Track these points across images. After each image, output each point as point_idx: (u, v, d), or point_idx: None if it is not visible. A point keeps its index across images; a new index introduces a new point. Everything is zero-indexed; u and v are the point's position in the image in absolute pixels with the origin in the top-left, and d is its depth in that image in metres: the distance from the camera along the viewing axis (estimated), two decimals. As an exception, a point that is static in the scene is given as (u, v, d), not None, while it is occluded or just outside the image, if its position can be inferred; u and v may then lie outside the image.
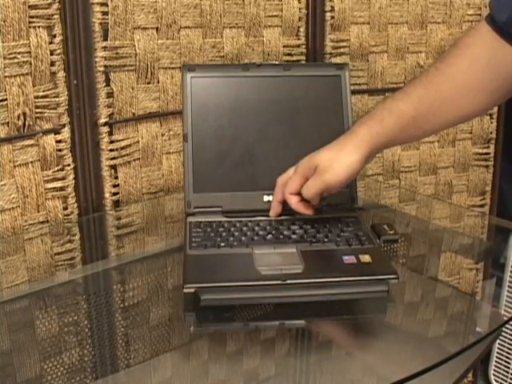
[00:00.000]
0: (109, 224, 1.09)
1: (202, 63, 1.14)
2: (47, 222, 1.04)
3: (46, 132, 1.01)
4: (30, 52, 0.96)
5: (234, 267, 0.77)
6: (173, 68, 1.13)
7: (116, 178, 1.10)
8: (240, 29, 1.18)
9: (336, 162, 0.81)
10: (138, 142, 1.12)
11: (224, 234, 0.85)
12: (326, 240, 0.84)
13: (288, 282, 0.74)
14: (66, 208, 1.05)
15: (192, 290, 0.73)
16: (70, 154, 1.04)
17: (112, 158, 1.09)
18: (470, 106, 0.81)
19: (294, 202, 0.86)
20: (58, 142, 1.03)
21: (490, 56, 0.78)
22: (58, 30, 0.99)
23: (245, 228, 0.87)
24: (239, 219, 0.89)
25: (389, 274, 0.76)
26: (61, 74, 1.01)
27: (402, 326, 0.77)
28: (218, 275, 0.75)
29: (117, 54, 1.06)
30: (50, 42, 0.99)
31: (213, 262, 0.78)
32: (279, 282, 0.74)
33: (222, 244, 0.82)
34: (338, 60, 1.30)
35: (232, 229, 0.87)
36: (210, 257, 0.80)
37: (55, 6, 0.98)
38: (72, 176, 1.05)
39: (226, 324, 0.75)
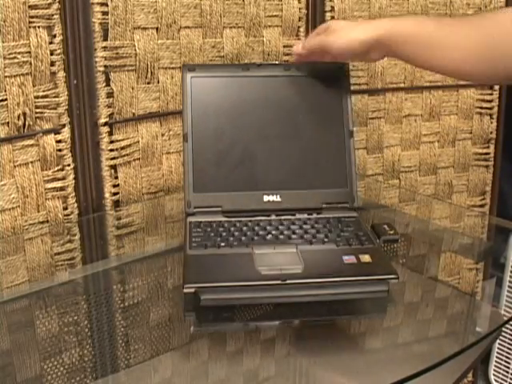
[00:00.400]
0: (109, 224, 1.09)
1: (201, 63, 1.14)
2: (47, 222, 1.04)
3: (46, 132, 1.01)
4: (29, 52, 0.96)
5: (233, 267, 0.77)
6: (173, 68, 1.13)
7: (116, 178, 1.10)
8: (240, 29, 1.18)
9: (344, 30, 0.88)
10: (138, 142, 1.12)
11: (224, 233, 0.85)
12: (326, 240, 0.84)
13: (288, 282, 0.74)
14: (66, 208, 1.05)
15: (192, 290, 0.73)
16: (69, 154, 1.04)
17: (112, 158, 1.09)
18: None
19: (296, 47, 0.96)
20: (58, 142, 1.03)
21: None
22: (58, 30, 0.99)
23: (245, 228, 0.87)
24: (239, 219, 0.89)
25: (389, 273, 0.76)
26: (61, 74, 1.01)
27: (402, 326, 0.77)
28: (218, 275, 0.75)
29: (117, 54, 1.06)
30: (50, 42, 0.99)
31: (213, 262, 0.78)
32: (279, 281, 0.74)
33: (222, 244, 0.82)
34: (338, 60, 1.30)
35: (232, 229, 0.87)
36: (210, 257, 0.80)
37: (55, 5, 0.98)
38: (72, 176, 1.05)
39: (226, 324, 0.75)
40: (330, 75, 0.97)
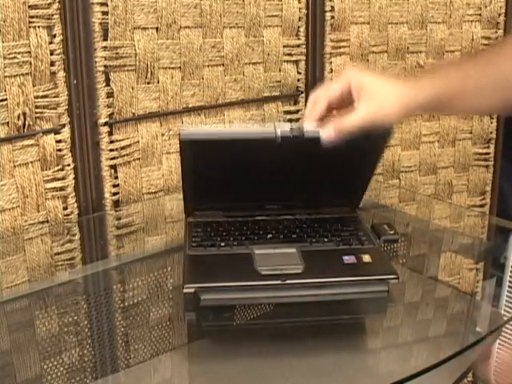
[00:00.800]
0: (109, 224, 1.09)
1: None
2: (47, 222, 1.04)
3: (46, 132, 1.01)
4: (30, 52, 0.96)
5: (233, 267, 0.77)
6: (173, 68, 1.13)
7: (116, 177, 1.10)
8: (240, 29, 1.18)
9: (385, 95, 0.77)
10: (138, 141, 1.12)
11: (224, 233, 0.85)
12: (325, 240, 0.84)
13: (288, 282, 0.74)
14: (65, 208, 1.05)
15: (192, 290, 0.73)
16: (69, 154, 1.04)
17: (112, 158, 1.09)
18: None
19: (327, 131, 0.78)
20: (58, 141, 1.03)
21: None
22: (58, 30, 0.99)
23: (245, 228, 0.87)
24: (239, 219, 0.89)
25: (389, 274, 0.76)
26: (61, 74, 1.01)
27: (402, 325, 0.77)
28: (218, 275, 0.75)
29: (117, 53, 1.06)
30: (50, 42, 0.99)
31: (213, 262, 0.78)
32: (279, 281, 0.74)
33: (222, 244, 0.82)
34: (337, 60, 1.30)
35: (232, 229, 0.87)
36: (210, 257, 0.80)
37: (55, 5, 0.98)
38: (72, 176, 1.05)
39: (226, 324, 0.75)
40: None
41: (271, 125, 0.79)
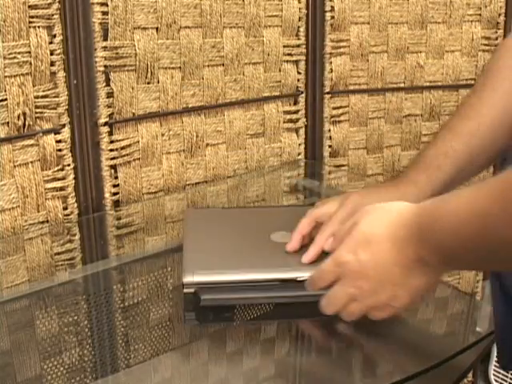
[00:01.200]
0: (109, 224, 1.09)
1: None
2: (47, 221, 1.04)
3: (46, 132, 1.01)
4: (29, 52, 0.96)
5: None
6: (173, 68, 1.13)
7: (116, 178, 1.10)
8: (240, 29, 1.18)
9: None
10: (138, 142, 1.12)
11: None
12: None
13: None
14: (65, 208, 1.05)
15: (192, 290, 0.73)
16: (69, 154, 1.04)
17: (112, 158, 1.09)
18: None
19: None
20: (58, 141, 1.03)
21: None
22: (58, 30, 0.99)
23: None
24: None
25: None
26: (61, 74, 1.01)
27: (402, 325, 0.77)
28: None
29: (117, 53, 1.06)
30: (50, 42, 0.99)
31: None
32: (279, 282, 0.74)
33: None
34: (337, 60, 1.30)
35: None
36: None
37: (55, 5, 0.98)
38: (72, 176, 1.05)
39: (226, 324, 0.75)
40: None
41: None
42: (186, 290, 0.73)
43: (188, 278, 0.74)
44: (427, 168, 0.77)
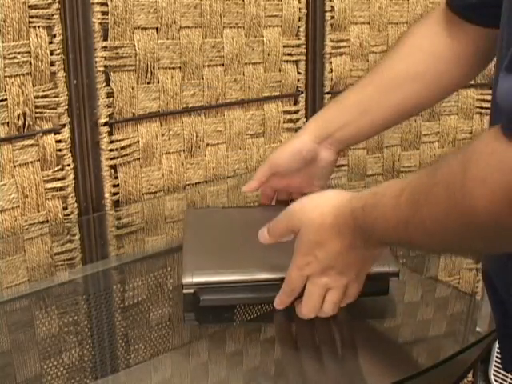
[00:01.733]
0: (109, 224, 1.09)
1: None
2: (47, 221, 1.04)
3: (46, 132, 1.01)
4: (29, 52, 0.96)
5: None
6: (173, 68, 1.13)
7: (116, 178, 1.10)
8: (240, 29, 1.18)
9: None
10: (138, 142, 1.12)
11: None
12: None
13: None
14: (65, 208, 1.05)
15: (191, 291, 0.73)
16: (69, 154, 1.04)
17: (112, 158, 1.09)
18: (412, 93, 0.82)
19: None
20: (58, 141, 1.03)
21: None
22: (58, 29, 0.99)
23: None
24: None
25: (390, 272, 0.75)
26: (61, 74, 1.01)
27: (402, 325, 0.77)
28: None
29: (117, 53, 1.06)
30: (50, 42, 0.99)
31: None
32: (279, 282, 0.74)
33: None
34: (337, 60, 1.30)
35: None
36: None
37: (55, 5, 0.98)
38: (72, 176, 1.05)
39: (226, 324, 0.75)
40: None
41: None
42: (185, 291, 0.73)
43: (187, 279, 0.74)
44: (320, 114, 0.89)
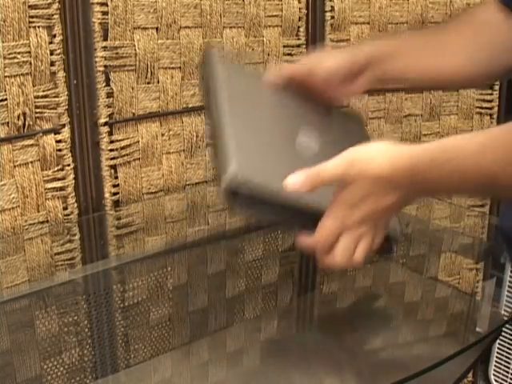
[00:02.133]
0: (109, 224, 1.09)
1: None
2: (47, 222, 1.04)
3: (46, 132, 1.01)
4: (29, 52, 0.96)
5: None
6: (173, 68, 1.13)
7: (116, 177, 1.10)
8: (240, 29, 1.18)
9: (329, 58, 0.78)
10: (138, 142, 1.12)
11: None
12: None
13: None
14: (65, 208, 1.05)
15: (230, 187, 0.61)
16: (69, 154, 1.04)
17: (112, 158, 1.09)
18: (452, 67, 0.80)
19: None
20: (58, 141, 1.03)
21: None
22: (57, 29, 0.99)
23: None
24: None
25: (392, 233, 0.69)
26: (61, 74, 1.01)
27: (402, 325, 0.77)
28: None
29: (117, 53, 1.06)
30: (50, 42, 0.99)
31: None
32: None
33: None
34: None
35: None
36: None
37: (55, 5, 0.98)
38: (72, 176, 1.05)
39: (226, 324, 0.75)
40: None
41: None
42: (224, 185, 0.61)
43: (233, 168, 0.61)
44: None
